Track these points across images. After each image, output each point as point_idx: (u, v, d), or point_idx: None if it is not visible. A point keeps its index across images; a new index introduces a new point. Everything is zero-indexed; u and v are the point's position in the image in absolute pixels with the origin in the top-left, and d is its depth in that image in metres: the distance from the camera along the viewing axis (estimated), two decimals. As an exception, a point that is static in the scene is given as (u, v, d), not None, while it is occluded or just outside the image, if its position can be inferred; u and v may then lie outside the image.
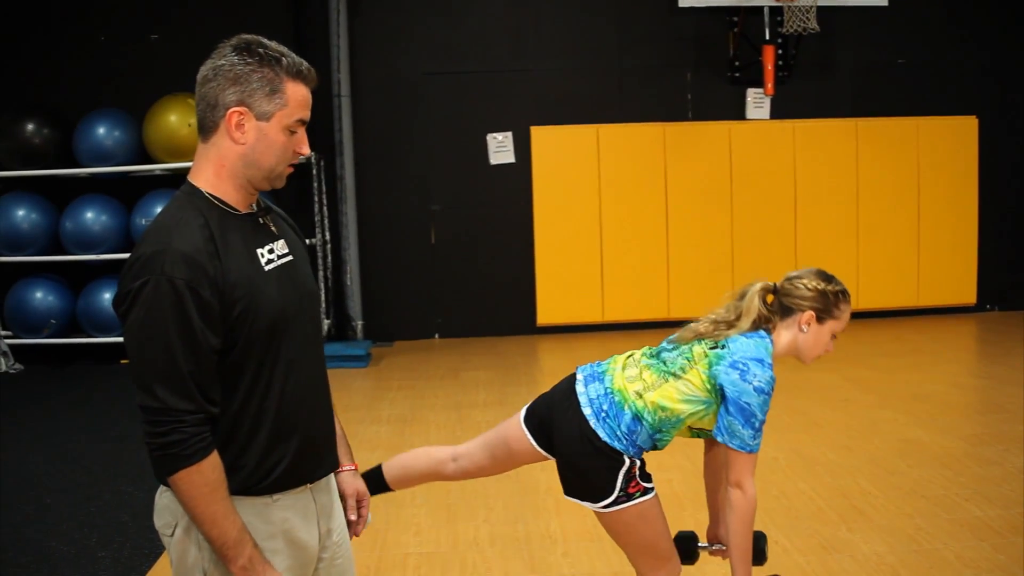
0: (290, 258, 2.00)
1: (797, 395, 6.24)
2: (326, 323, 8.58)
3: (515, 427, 2.81)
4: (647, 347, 2.73)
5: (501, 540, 4.15)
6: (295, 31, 8.65)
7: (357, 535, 2.25)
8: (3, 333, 8.23)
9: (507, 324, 9.07)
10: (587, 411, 2.61)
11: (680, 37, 9.00)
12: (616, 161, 8.94)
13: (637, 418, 2.58)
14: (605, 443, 2.57)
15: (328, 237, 8.62)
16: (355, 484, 2.26)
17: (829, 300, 2.61)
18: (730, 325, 2.59)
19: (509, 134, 8.98)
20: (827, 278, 2.64)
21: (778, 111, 9.06)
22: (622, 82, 9.06)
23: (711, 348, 2.56)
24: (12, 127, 8.12)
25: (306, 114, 1.93)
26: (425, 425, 6.04)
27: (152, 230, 1.85)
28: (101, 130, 8.08)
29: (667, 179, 8.98)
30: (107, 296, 7.92)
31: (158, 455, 1.79)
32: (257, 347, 1.87)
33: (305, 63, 1.92)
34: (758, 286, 2.64)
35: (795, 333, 2.62)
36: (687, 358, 2.58)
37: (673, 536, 2.73)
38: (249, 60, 1.86)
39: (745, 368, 2.48)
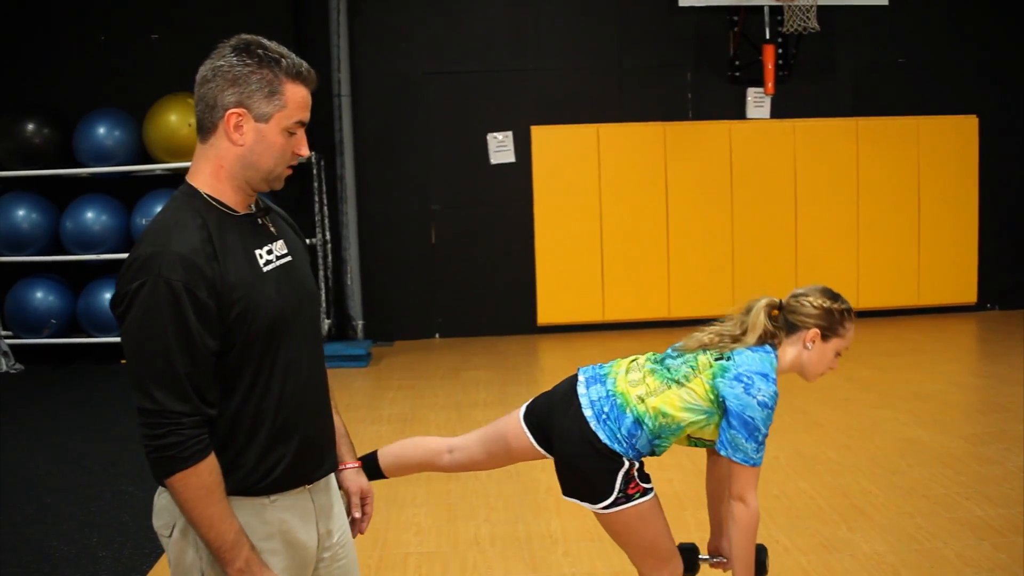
0: (289, 259, 1.99)
1: (797, 394, 6.23)
2: (326, 323, 8.58)
3: (514, 424, 2.81)
4: (651, 352, 2.73)
5: (502, 540, 4.15)
6: (295, 31, 8.65)
7: (362, 532, 2.25)
8: (3, 333, 8.23)
9: (507, 324, 9.07)
10: (588, 412, 2.61)
11: (680, 37, 9.00)
12: (616, 161, 8.93)
13: (638, 422, 2.58)
14: (605, 445, 2.57)
15: (328, 237, 8.62)
16: (359, 481, 2.26)
17: (834, 319, 2.61)
18: (735, 339, 2.59)
19: (509, 134, 8.98)
20: (832, 296, 2.64)
21: (778, 111, 9.06)
22: (622, 82, 9.05)
23: (716, 359, 2.56)
24: (12, 127, 8.12)
25: (305, 116, 1.92)
26: (425, 424, 6.04)
27: (150, 231, 1.84)
28: (101, 130, 8.08)
29: (667, 179, 8.97)
30: (107, 296, 7.89)
31: (155, 457, 1.79)
32: (256, 348, 1.87)
33: (305, 64, 1.91)
34: (764, 302, 2.64)
35: (799, 350, 2.62)
36: (691, 367, 2.58)
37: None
38: (248, 61, 1.85)
39: (750, 382, 2.49)
